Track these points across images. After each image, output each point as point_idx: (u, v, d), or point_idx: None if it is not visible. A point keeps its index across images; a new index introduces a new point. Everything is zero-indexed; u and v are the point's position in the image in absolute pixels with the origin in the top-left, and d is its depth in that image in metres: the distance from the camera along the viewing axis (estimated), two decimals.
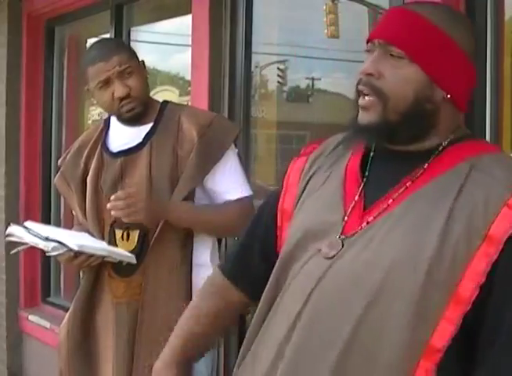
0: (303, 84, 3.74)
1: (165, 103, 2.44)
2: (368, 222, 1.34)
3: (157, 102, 2.44)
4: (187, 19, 3.50)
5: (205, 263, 2.34)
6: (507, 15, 2.25)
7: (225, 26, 3.29)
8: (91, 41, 4.96)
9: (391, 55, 1.34)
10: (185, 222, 2.27)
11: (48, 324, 4.55)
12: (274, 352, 1.37)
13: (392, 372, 1.25)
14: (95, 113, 4.85)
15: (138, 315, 2.28)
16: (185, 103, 2.87)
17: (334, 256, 1.33)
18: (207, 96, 3.23)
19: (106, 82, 2.28)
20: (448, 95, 1.35)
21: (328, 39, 3.23)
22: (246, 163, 3.19)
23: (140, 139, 2.34)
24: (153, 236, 2.27)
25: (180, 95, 4.12)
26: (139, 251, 2.28)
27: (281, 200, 1.53)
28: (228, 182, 2.32)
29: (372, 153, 1.43)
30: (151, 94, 2.48)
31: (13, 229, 2.25)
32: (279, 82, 3.82)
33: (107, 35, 4.22)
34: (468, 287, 1.23)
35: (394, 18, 1.38)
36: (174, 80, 4.37)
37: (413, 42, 1.33)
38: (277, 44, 3.75)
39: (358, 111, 1.38)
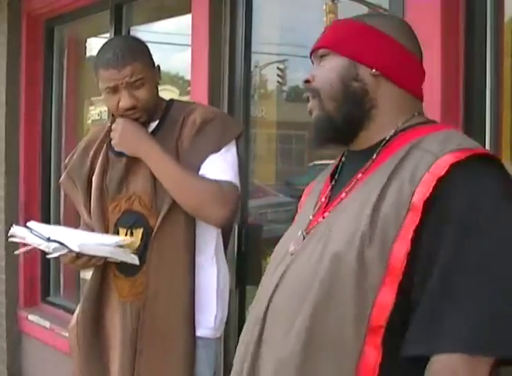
0: (303, 83, 3.73)
1: (171, 101, 2.42)
2: (324, 217, 1.44)
3: (163, 100, 2.41)
4: (187, 19, 3.50)
5: (208, 262, 2.34)
6: (507, 16, 2.25)
7: (225, 25, 3.29)
8: (90, 40, 4.97)
9: (321, 57, 1.48)
10: (155, 163, 2.24)
11: (47, 324, 4.55)
12: (249, 333, 1.47)
13: (343, 348, 1.29)
14: (94, 112, 4.85)
15: (140, 314, 2.28)
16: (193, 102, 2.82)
17: (296, 252, 1.44)
18: (207, 96, 3.23)
19: (115, 90, 2.24)
20: (374, 70, 1.42)
21: None
22: (245, 163, 3.19)
23: None
24: (152, 234, 2.25)
25: (180, 94, 4.12)
26: (143, 249, 2.27)
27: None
28: (215, 167, 2.26)
29: (343, 159, 1.55)
30: None
31: (16, 229, 2.25)
32: (278, 82, 3.82)
33: (107, 35, 4.22)
34: (399, 257, 1.27)
35: (322, 33, 1.53)
36: (173, 79, 4.36)
37: (332, 36, 1.48)
38: (277, 43, 3.75)
39: None
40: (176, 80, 4.33)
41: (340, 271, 1.31)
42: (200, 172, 2.26)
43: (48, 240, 2.13)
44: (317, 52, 1.50)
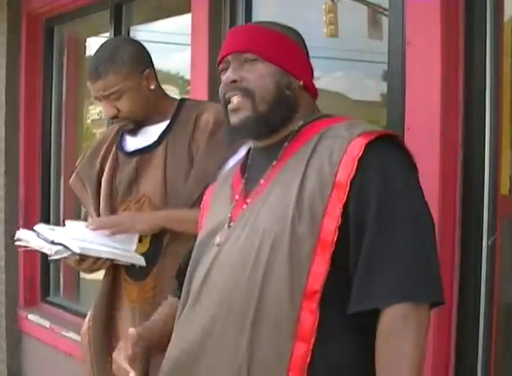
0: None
1: (183, 100, 2.38)
2: (245, 206, 1.58)
3: (174, 100, 2.38)
4: (187, 19, 3.50)
5: None
6: (507, 15, 2.25)
7: (225, 25, 3.29)
8: (90, 40, 4.97)
9: (246, 61, 1.61)
10: (177, 221, 2.21)
11: (47, 324, 4.54)
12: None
13: (281, 319, 1.43)
14: (94, 112, 4.84)
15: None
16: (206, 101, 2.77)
17: (222, 242, 1.57)
18: (207, 96, 3.23)
19: (98, 99, 2.25)
20: (301, 83, 1.63)
21: (327, 38, 3.23)
22: None
23: (156, 138, 2.29)
24: (166, 239, 2.22)
25: (180, 94, 4.12)
26: (152, 253, 2.23)
27: (198, 222, 1.82)
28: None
29: (249, 156, 1.70)
30: None
31: (22, 233, 2.22)
32: None
33: (107, 34, 4.22)
34: (329, 231, 1.44)
35: (235, 35, 1.68)
36: (173, 79, 4.36)
37: (260, 45, 1.61)
38: None
39: (228, 118, 1.64)
40: (176, 79, 4.33)
41: (274, 248, 1.46)
42: None
43: (52, 242, 2.12)
44: (240, 55, 1.62)
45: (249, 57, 1.61)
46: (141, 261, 2.20)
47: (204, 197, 1.83)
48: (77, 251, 2.11)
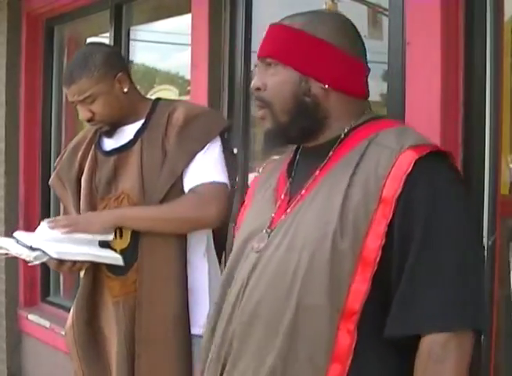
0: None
1: (157, 100, 2.45)
2: (286, 213, 1.51)
3: (149, 100, 2.46)
4: (186, 19, 3.50)
5: (200, 260, 2.36)
6: (507, 15, 2.25)
7: (225, 25, 3.28)
8: (90, 40, 4.97)
9: (270, 64, 1.54)
10: (129, 219, 2.27)
11: (47, 324, 4.54)
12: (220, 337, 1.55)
13: (316, 337, 1.38)
14: None
15: (134, 313, 2.28)
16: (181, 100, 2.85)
17: (262, 249, 1.50)
18: (207, 95, 3.23)
19: (74, 103, 2.34)
20: (326, 86, 1.50)
21: None
22: (245, 161, 3.19)
23: (131, 137, 2.36)
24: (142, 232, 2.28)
25: (180, 94, 4.12)
26: (133, 248, 2.28)
27: (240, 213, 1.74)
28: (195, 170, 2.29)
29: (297, 156, 1.62)
30: (150, 93, 2.49)
31: (2, 241, 2.28)
32: None
33: (107, 34, 4.22)
34: (372, 249, 1.37)
35: (266, 36, 1.59)
36: (173, 79, 4.36)
37: (280, 48, 1.52)
38: None
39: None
40: (176, 79, 4.33)
41: (313, 263, 1.40)
42: (187, 177, 2.29)
43: (31, 248, 2.15)
44: (264, 59, 1.56)
45: (270, 61, 1.55)
46: (118, 260, 2.24)
47: (250, 187, 1.77)
48: (54, 256, 2.17)
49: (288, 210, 1.51)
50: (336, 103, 1.53)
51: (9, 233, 4.30)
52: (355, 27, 1.61)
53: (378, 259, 1.37)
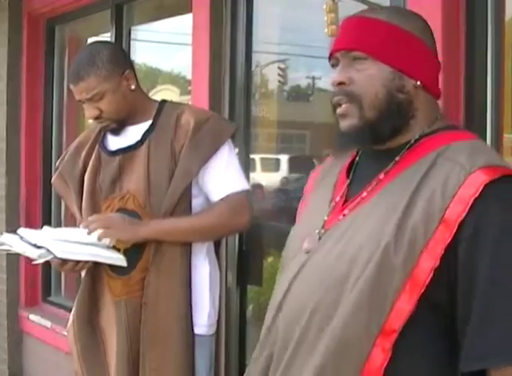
0: (303, 83, 3.73)
1: (163, 102, 2.46)
2: (344, 215, 1.43)
3: (155, 101, 2.46)
4: (187, 19, 3.50)
5: (201, 262, 2.37)
6: (508, 15, 2.25)
7: (226, 25, 3.29)
8: (91, 40, 4.97)
9: (355, 59, 1.42)
10: (165, 233, 2.28)
11: (48, 324, 4.55)
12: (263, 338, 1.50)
13: (350, 350, 1.32)
14: None
15: (140, 313, 2.28)
16: (186, 102, 2.85)
17: (311, 250, 1.43)
18: (208, 95, 3.23)
19: (81, 102, 2.35)
20: (419, 82, 1.42)
21: (328, 38, 3.23)
22: (246, 162, 3.19)
23: (138, 137, 2.36)
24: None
25: (181, 94, 4.12)
26: (136, 248, 2.28)
27: (299, 207, 1.67)
28: (219, 180, 2.32)
29: (358, 156, 1.53)
30: (151, 93, 2.49)
31: (5, 237, 2.27)
32: (279, 81, 3.82)
33: (108, 34, 4.22)
34: (424, 269, 1.29)
35: (347, 28, 1.48)
36: (174, 79, 4.37)
37: (371, 41, 1.42)
38: (278, 43, 3.75)
39: (338, 122, 1.45)
40: (177, 79, 4.33)
41: (361, 274, 1.32)
42: (207, 189, 2.32)
43: (35, 246, 2.15)
44: (349, 53, 1.43)
45: (358, 55, 1.42)
46: (122, 261, 2.24)
47: (308, 182, 1.68)
48: (59, 255, 2.17)
49: (346, 211, 1.43)
50: (423, 102, 1.44)
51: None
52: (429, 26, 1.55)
53: (428, 281, 1.29)
